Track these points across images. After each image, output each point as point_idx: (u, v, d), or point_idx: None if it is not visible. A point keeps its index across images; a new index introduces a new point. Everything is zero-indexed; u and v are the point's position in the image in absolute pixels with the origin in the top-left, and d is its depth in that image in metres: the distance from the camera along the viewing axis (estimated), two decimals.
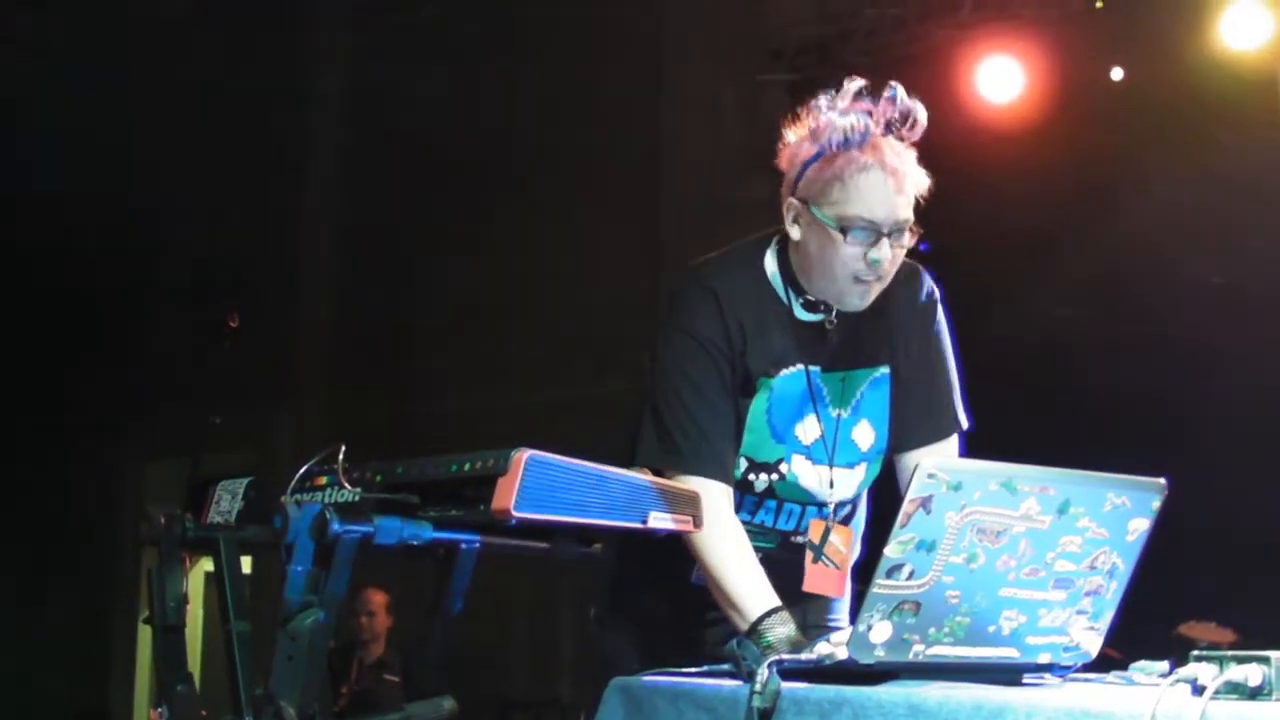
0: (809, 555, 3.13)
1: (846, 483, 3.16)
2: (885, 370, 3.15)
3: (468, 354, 10.61)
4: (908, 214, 2.93)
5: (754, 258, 3.13)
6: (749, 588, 2.91)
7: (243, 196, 11.63)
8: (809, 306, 3.06)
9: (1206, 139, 7.49)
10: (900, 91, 2.96)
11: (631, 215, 9.88)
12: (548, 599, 9.70)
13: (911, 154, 2.97)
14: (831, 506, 3.14)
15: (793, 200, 3.01)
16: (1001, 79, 7.80)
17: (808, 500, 3.14)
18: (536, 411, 9.76)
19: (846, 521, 3.22)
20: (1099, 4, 7.66)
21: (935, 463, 2.27)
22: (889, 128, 2.95)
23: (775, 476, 3.09)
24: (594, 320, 9.72)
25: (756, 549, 3.02)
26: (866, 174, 2.89)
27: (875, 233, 2.90)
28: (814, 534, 3.14)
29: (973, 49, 7.80)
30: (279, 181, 11.96)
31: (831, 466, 3.11)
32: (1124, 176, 7.74)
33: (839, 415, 3.11)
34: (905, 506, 2.25)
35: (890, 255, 2.94)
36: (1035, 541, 2.36)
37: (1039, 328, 7.73)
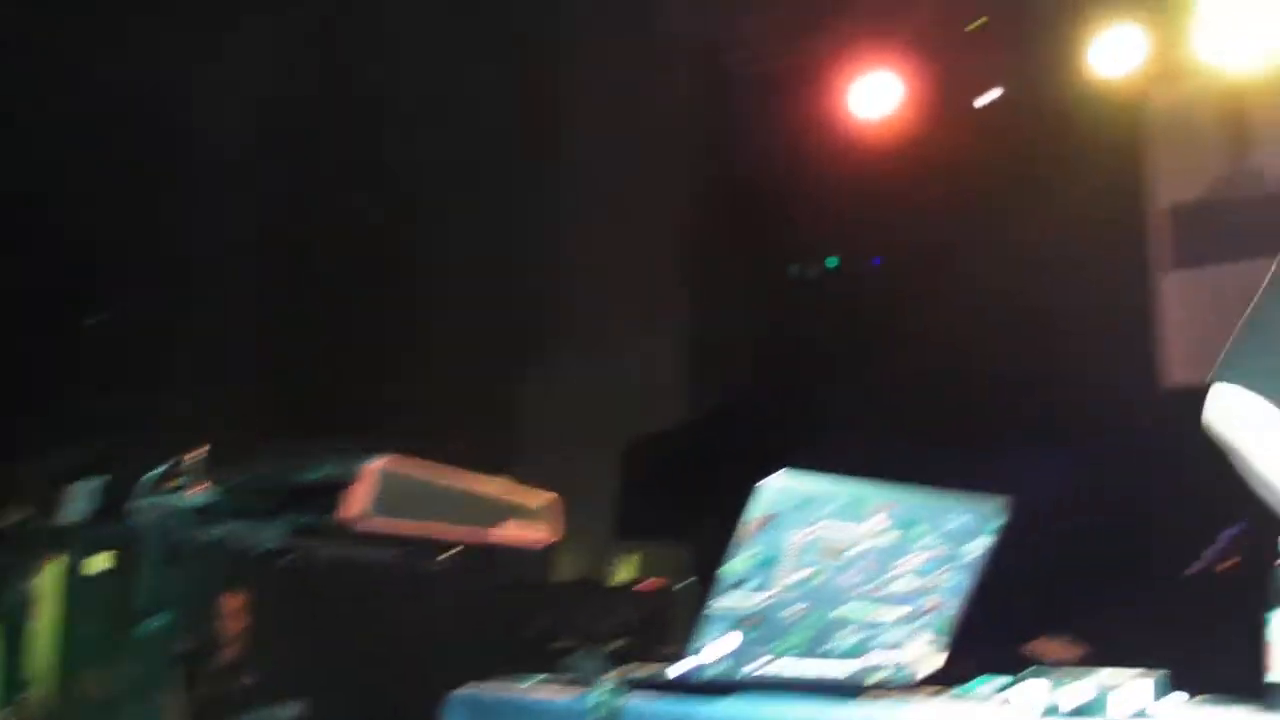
0: None
1: None
2: None
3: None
4: None
5: None
6: None
7: None
8: None
9: (1076, 159, 7.68)
10: None
11: None
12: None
13: None
14: None
15: None
16: (879, 94, 7.91)
17: None
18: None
19: None
20: (978, 25, 7.80)
21: (779, 480, 2.29)
22: None
23: None
24: None
25: None
26: None
27: None
28: None
29: (851, 63, 7.90)
30: None
31: None
32: (997, 193, 7.91)
33: None
34: (748, 523, 2.27)
35: None
36: (878, 558, 2.40)
37: (913, 339, 7.84)
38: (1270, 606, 2.25)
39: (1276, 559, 2.28)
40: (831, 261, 8.27)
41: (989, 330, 7.67)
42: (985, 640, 3.18)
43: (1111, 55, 7.52)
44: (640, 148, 8.35)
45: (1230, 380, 2.61)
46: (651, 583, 6.82)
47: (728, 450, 7.49)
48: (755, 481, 3.25)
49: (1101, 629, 5.87)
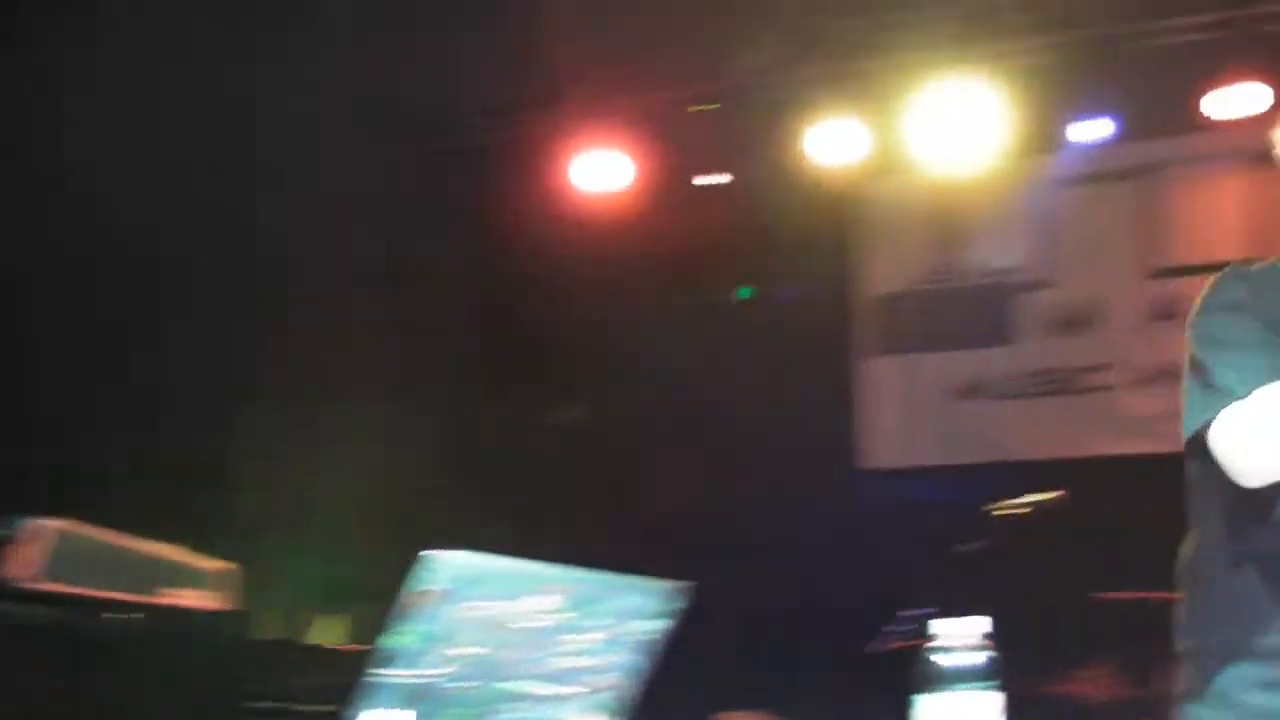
0: None
1: None
2: None
3: None
4: None
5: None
6: None
7: None
8: None
9: (791, 244, 7.92)
10: None
11: None
12: None
13: None
14: None
15: None
16: (602, 170, 8.00)
17: None
18: None
19: None
20: (702, 108, 7.97)
21: (452, 554, 2.27)
22: None
23: None
24: None
25: None
26: None
27: None
28: None
29: (574, 139, 7.98)
30: None
31: None
32: (713, 271, 8.10)
33: None
34: (413, 597, 2.25)
35: None
36: (550, 636, 2.41)
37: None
38: (916, 689, 2.32)
39: (925, 643, 2.36)
40: None
41: (687, 411, 7.82)
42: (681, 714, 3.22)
43: (831, 146, 7.77)
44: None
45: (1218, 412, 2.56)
46: (355, 645, 6.70)
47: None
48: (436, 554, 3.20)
49: (785, 707, 5.99)
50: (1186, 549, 2.77)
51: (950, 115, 7.43)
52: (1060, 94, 7.53)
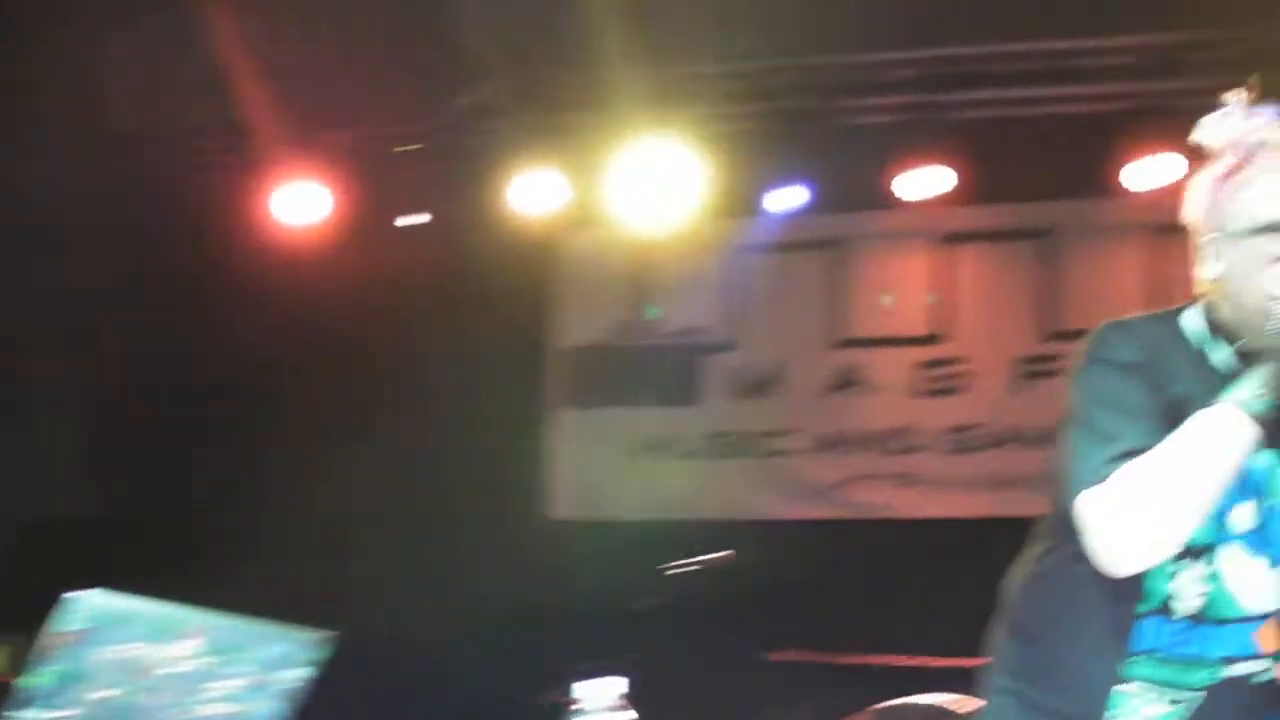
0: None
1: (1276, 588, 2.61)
2: None
3: None
4: None
5: (1167, 315, 2.66)
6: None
7: None
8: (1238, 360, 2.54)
9: (489, 291, 7.91)
10: None
11: None
12: None
13: None
14: (1248, 617, 2.58)
15: (1203, 239, 2.56)
16: (302, 203, 7.86)
17: (1239, 615, 2.57)
18: None
19: None
20: (406, 149, 7.92)
21: (91, 596, 2.19)
22: None
23: (1205, 570, 2.54)
24: None
25: (1188, 691, 2.56)
26: (1275, 173, 2.48)
27: None
28: (1269, 638, 2.58)
29: (274, 170, 7.82)
30: None
31: (1265, 562, 2.55)
32: (410, 314, 8.03)
33: (1273, 505, 2.56)
34: (52, 639, 2.16)
35: None
36: (190, 681, 2.32)
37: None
38: None
39: (572, 703, 2.36)
40: None
41: (381, 452, 7.73)
42: None
43: (532, 196, 7.79)
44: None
45: (1093, 483, 2.46)
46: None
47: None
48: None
49: None
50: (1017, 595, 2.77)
51: (649, 174, 7.53)
52: (757, 162, 7.71)
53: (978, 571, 7.41)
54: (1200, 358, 2.55)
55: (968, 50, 7.41)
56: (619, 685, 2.49)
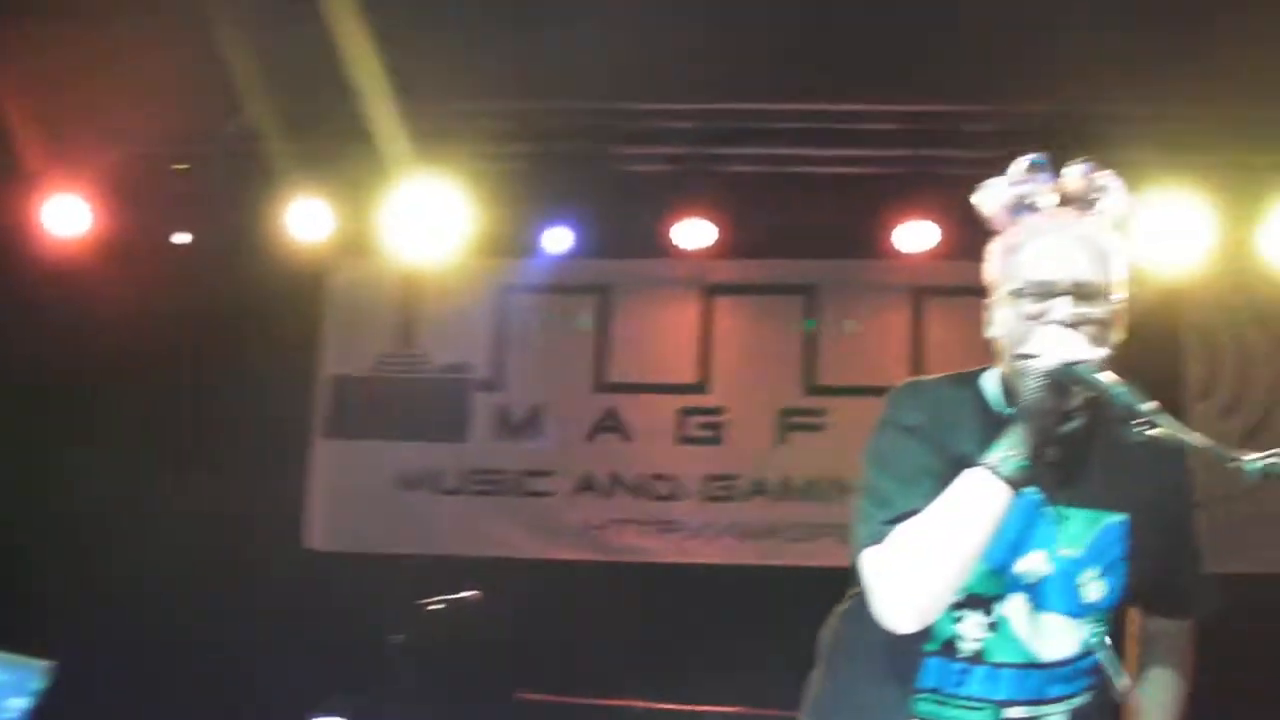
0: (1013, 711, 2.68)
1: (1064, 636, 2.69)
2: (1124, 519, 2.69)
3: None
4: (1094, 276, 2.59)
5: (969, 375, 2.78)
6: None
7: None
8: None
9: (258, 316, 7.77)
10: (1089, 167, 2.72)
11: None
12: None
13: (1104, 222, 2.69)
14: (1037, 664, 2.67)
15: (988, 301, 2.71)
16: (69, 217, 7.64)
17: (1023, 659, 2.67)
18: None
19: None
20: (177, 168, 7.74)
21: None
22: (1083, 202, 2.69)
23: (987, 618, 2.66)
24: None
25: None
26: (1038, 237, 2.62)
27: (1051, 294, 2.56)
28: (1013, 686, 2.67)
29: (42, 182, 7.58)
30: None
31: (1049, 612, 2.66)
32: (171, 334, 7.84)
33: (1067, 555, 2.66)
34: None
35: (1075, 318, 2.53)
36: None
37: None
38: None
39: None
40: None
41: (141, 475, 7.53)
42: None
43: (303, 222, 7.68)
44: None
45: (871, 544, 2.55)
46: None
47: None
48: None
49: None
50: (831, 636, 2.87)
51: (419, 208, 7.51)
52: (528, 203, 7.75)
53: (734, 618, 7.60)
54: (997, 416, 2.65)
55: (742, 106, 7.56)
56: None
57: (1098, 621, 2.68)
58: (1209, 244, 7.29)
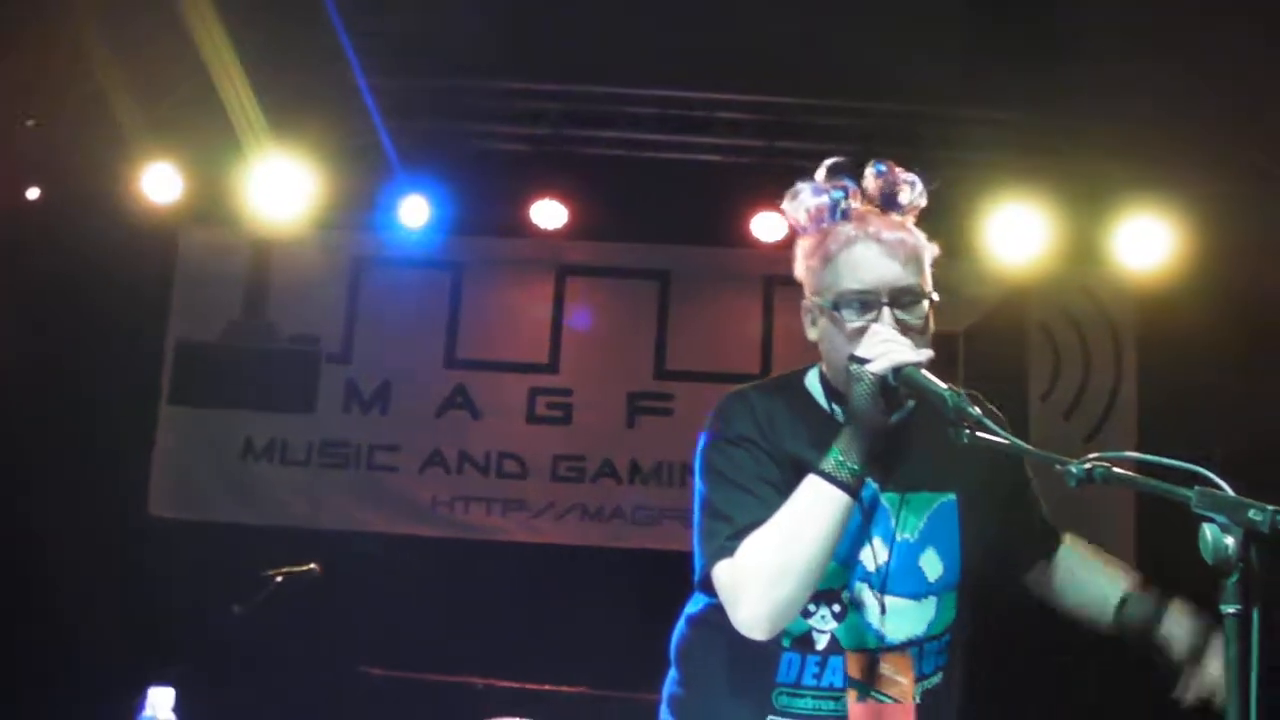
0: (852, 695, 2.71)
1: (911, 617, 2.74)
2: (952, 497, 2.79)
3: None
4: (911, 280, 2.63)
5: (793, 376, 2.84)
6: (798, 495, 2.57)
7: None
8: None
9: (108, 279, 7.64)
10: (887, 166, 2.71)
11: None
12: None
13: (907, 221, 2.72)
14: (884, 646, 2.73)
15: (804, 302, 2.74)
16: None
17: (874, 644, 2.72)
18: None
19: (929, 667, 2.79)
20: (30, 123, 7.57)
21: None
22: (887, 201, 2.70)
23: (837, 608, 2.71)
24: None
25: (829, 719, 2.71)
26: (851, 246, 2.65)
27: (872, 303, 2.61)
28: (854, 668, 2.72)
29: None
30: None
31: (885, 594, 2.72)
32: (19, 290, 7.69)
33: (903, 538, 2.73)
34: None
35: (897, 325, 2.60)
36: None
37: None
38: None
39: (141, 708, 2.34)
40: None
41: None
42: None
43: (156, 186, 7.59)
44: None
45: (721, 559, 2.61)
46: None
47: None
48: None
49: None
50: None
51: (272, 178, 7.47)
52: (384, 177, 7.72)
53: (579, 599, 7.66)
54: (826, 415, 2.74)
55: (602, 89, 7.61)
56: (167, 696, 2.48)
57: (944, 598, 2.76)
58: (1054, 246, 7.52)
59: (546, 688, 6.54)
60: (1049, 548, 3.02)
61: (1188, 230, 7.42)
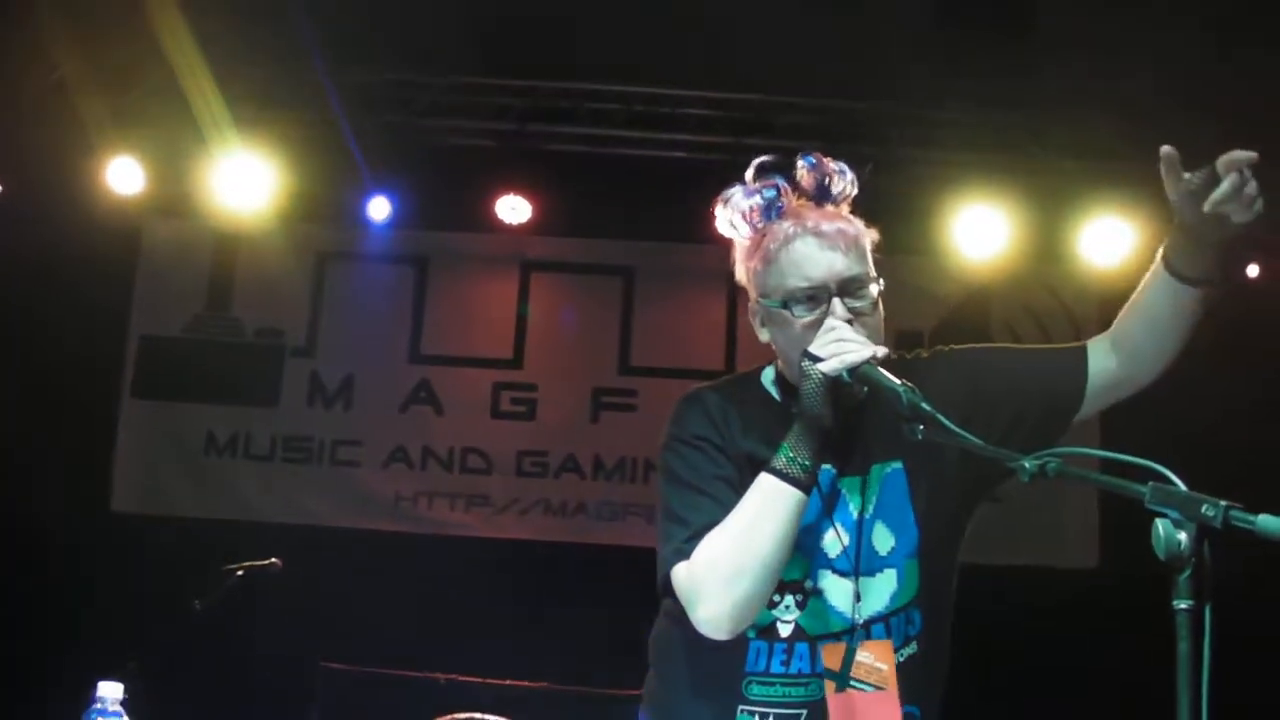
0: (830, 686, 2.67)
1: (874, 592, 2.71)
2: (898, 465, 2.74)
3: None
4: (856, 269, 2.61)
5: (750, 374, 2.83)
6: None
7: None
8: None
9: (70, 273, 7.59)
10: (816, 158, 2.67)
11: None
12: None
13: (842, 210, 2.69)
14: (860, 626, 2.69)
15: (751, 305, 2.73)
16: None
17: (839, 626, 2.69)
18: None
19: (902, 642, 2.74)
20: None
21: None
22: (820, 193, 2.66)
23: (799, 598, 2.69)
24: None
25: (799, 706, 2.68)
26: (791, 244, 2.62)
27: (821, 296, 2.59)
28: (831, 660, 2.68)
29: None
30: None
31: (857, 576, 2.69)
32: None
33: (862, 517, 2.71)
34: None
35: (849, 314, 2.58)
36: None
37: None
38: None
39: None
40: None
41: None
42: None
43: (120, 179, 7.56)
44: None
45: (678, 561, 2.60)
46: None
47: None
48: None
49: None
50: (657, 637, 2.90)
51: (235, 172, 7.45)
52: (349, 172, 7.71)
53: (542, 594, 7.66)
54: (783, 410, 2.71)
55: (567, 85, 7.61)
56: (116, 690, 2.49)
57: (904, 568, 2.72)
58: (1018, 245, 7.56)
59: (509, 683, 6.54)
60: (1080, 355, 2.78)
61: (1151, 229, 7.46)
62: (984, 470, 2.71)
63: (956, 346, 2.88)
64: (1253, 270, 7.85)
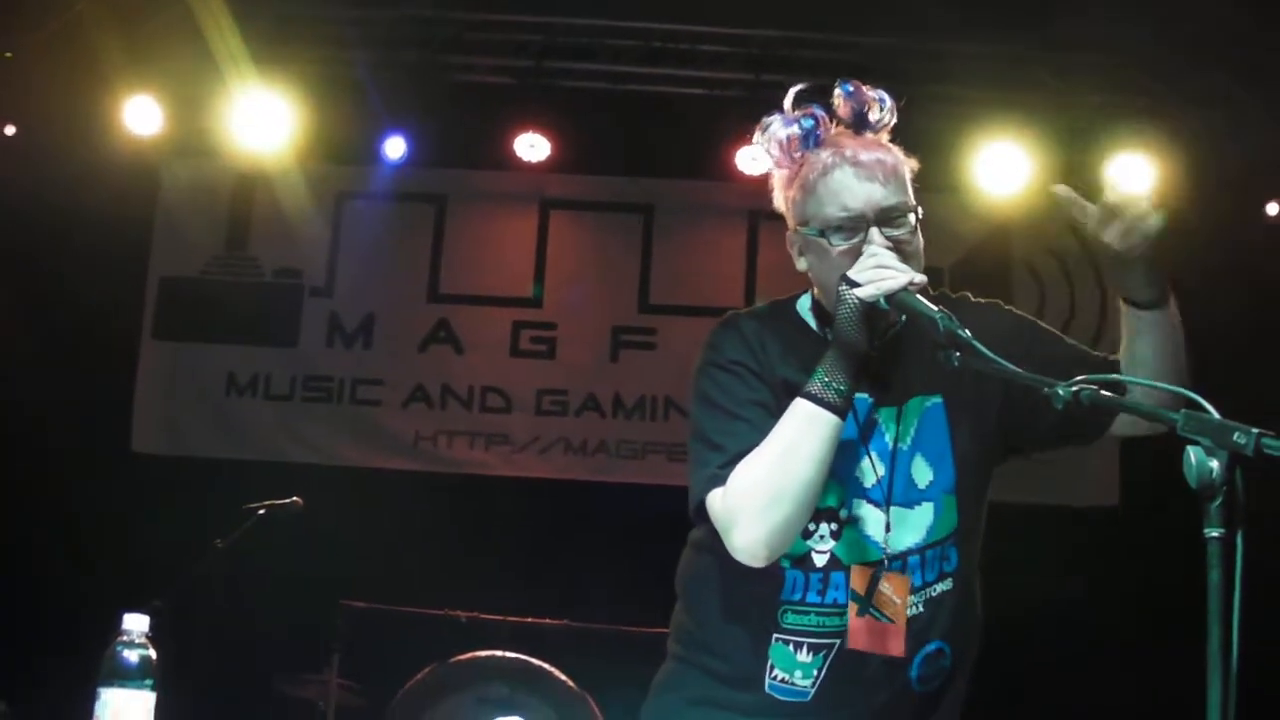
0: (853, 608, 2.68)
1: (909, 525, 2.71)
2: (938, 400, 2.74)
3: None
4: (894, 199, 2.60)
5: (786, 302, 2.82)
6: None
7: None
8: None
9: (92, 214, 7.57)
10: (854, 86, 2.66)
11: None
12: None
13: (881, 139, 2.68)
14: (887, 557, 2.69)
15: (789, 234, 2.71)
16: None
17: (875, 556, 2.69)
18: None
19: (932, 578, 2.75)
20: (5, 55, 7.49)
21: None
22: (859, 122, 2.66)
23: (834, 526, 2.69)
24: None
25: (833, 635, 2.69)
26: (830, 174, 2.61)
27: (859, 226, 2.58)
28: (857, 582, 2.68)
29: None
30: None
31: (889, 505, 2.70)
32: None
33: (899, 449, 2.72)
34: None
35: (889, 243, 2.57)
36: None
37: None
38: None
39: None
40: None
41: None
42: None
43: (137, 119, 7.54)
44: None
45: (713, 488, 2.59)
46: None
47: None
48: None
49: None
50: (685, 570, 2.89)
51: (253, 111, 7.42)
52: (365, 111, 7.69)
53: (562, 533, 7.67)
54: (819, 338, 2.70)
55: (585, 22, 7.55)
56: (142, 621, 2.49)
57: (942, 503, 2.73)
58: (1038, 180, 7.50)
59: (530, 620, 6.57)
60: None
61: (1173, 164, 7.40)
62: (1021, 420, 2.73)
63: (1015, 310, 2.90)
64: (1272, 209, 7.79)
